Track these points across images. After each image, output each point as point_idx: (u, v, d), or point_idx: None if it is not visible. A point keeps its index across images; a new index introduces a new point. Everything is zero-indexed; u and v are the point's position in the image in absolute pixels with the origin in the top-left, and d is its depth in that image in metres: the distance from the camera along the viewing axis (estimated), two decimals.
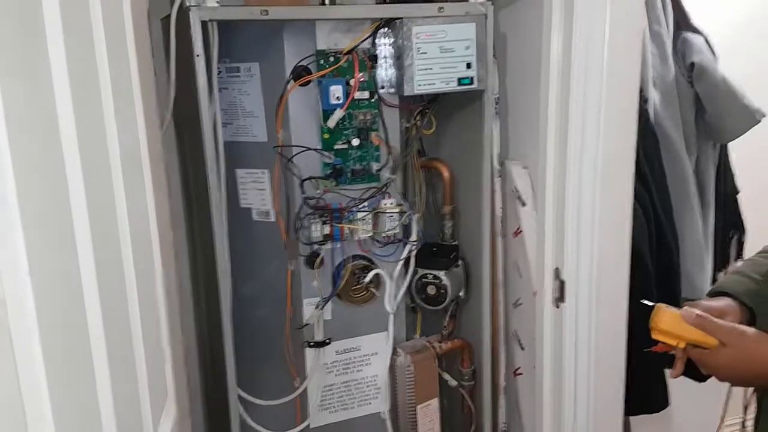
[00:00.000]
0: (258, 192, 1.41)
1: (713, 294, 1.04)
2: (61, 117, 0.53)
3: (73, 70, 0.55)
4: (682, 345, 0.96)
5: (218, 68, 1.33)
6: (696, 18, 1.58)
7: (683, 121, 1.56)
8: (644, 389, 1.47)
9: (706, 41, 1.57)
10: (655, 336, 0.98)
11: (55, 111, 0.52)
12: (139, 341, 0.74)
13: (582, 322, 1.29)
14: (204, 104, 1.22)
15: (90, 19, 0.65)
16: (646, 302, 0.99)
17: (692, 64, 1.54)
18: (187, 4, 1.18)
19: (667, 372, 1.50)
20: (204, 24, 1.20)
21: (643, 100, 1.45)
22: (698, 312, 0.94)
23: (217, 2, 1.19)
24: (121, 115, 0.72)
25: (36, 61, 0.49)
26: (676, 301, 1.52)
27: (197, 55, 1.18)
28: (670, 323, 0.96)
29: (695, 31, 1.58)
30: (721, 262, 1.71)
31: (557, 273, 1.29)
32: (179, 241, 1.64)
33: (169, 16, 1.24)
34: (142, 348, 0.76)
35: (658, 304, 0.99)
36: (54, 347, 0.46)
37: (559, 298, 1.29)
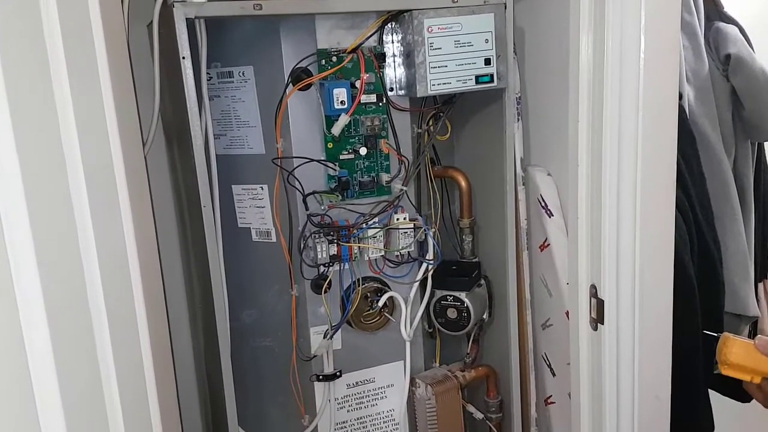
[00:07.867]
0: (257, 210, 1.28)
1: None
2: None
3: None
4: (757, 380, 0.83)
5: (208, 73, 1.20)
6: (728, 7, 1.46)
7: (720, 119, 1.44)
8: (688, 414, 1.34)
9: (741, 31, 1.45)
10: (724, 371, 0.85)
11: None
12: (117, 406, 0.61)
13: (624, 346, 1.15)
14: (193, 113, 1.09)
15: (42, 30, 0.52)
16: (709, 333, 0.87)
17: (727, 56, 1.42)
18: (171, 0, 1.04)
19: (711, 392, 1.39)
20: (190, 23, 1.07)
21: (678, 96, 1.33)
22: None
23: None
24: (87, 137, 0.59)
25: None
26: (719, 314, 1.39)
27: (183, 58, 1.05)
28: (742, 356, 0.85)
29: (728, 20, 1.46)
30: (761, 270, 1.59)
31: (594, 291, 1.16)
32: (173, 267, 1.52)
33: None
34: (120, 410, 0.62)
35: (725, 334, 0.87)
36: None
37: (597, 319, 1.16)
